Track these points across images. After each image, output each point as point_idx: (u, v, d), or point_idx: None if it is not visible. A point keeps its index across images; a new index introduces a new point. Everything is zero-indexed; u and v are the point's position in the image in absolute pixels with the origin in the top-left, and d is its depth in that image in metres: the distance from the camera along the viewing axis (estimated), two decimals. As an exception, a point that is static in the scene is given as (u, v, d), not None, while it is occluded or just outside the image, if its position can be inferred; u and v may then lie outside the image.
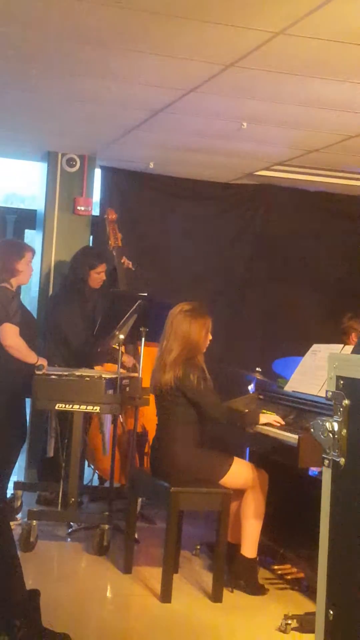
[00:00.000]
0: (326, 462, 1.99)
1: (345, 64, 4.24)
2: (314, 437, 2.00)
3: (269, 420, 4.47)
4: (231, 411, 4.56)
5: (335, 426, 1.95)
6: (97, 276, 6.14)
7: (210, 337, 4.55)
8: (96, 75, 4.79)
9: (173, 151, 6.64)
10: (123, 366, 5.39)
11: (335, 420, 1.95)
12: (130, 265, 6.35)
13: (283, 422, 4.45)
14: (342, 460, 1.94)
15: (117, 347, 5.24)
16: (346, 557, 1.93)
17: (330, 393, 1.99)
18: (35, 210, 7.43)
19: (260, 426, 4.48)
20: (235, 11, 3.68)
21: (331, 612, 1.96)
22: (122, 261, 6.32)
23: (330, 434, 1.95)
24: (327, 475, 2.00)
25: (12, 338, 5.14)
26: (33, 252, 5.56)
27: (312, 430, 2.00)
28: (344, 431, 1.94)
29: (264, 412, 4.58)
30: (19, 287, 5.58)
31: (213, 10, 3.69)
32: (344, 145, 5.90)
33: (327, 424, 1.96)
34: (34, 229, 7.47)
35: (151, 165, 7.05)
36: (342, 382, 1.97)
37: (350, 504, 1.91)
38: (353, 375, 1.94)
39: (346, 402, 1.94)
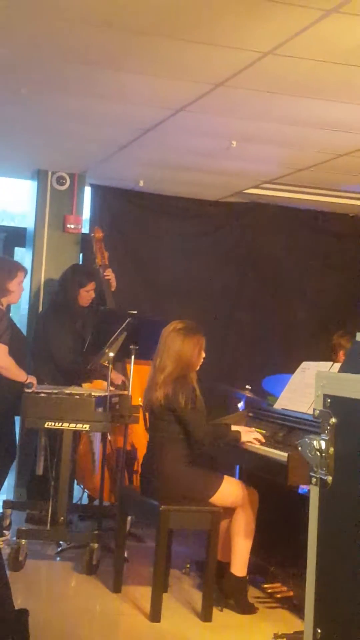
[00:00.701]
0: (314, 480, 1.99)
1: (334, 83, 4.27)
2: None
3: (250, 438, 4.46)
4: (215, 432, 4.53)
5: (323, 444, 1.95)
6: (87, 294, 6.15)
7: (203, 355, 4.55)
8: (86, 94, 4.81)
9: (162, 169, 6.66)
10: (112, 384, 5.38)
11: (323, 439, 1.96)
12: (113, 287, 6.34)
13: (263, 440, 4.45)
14: (329, 479, 1.95)
15: (107, 365, 5.24)
16: (333, 575, 1.92)
17: (318, 411, 1.99)
18: (25, 228, 7.44)
19: (249, 444, 4.47)
20: (225, 31, 3.71)
21: (319, 631, 1.95)
22: (106, 273, 6.32)
23: (318, 452, 1.95)
24: (315, 493, 2.00)
25: (1, 357, 5.13)
26: (25, 272, 5.56)
27: (299, 448, 2.01)
28: (331, 449, 1.95)
29: (248, 430, 4.56)
30: (8, 306, 5.58)
31: (202, 30, 3.72)
32: (332, 164, 5.93)
33: (315, 442, 1.96)
34: (24, 246, 7.47)
35: (141, 183, 7.07)
36: (329, 400, 1.97)
37: (337, 522, 1.92)
38: (340, 393, 1.95)
39: (333, 420, 1.95)
